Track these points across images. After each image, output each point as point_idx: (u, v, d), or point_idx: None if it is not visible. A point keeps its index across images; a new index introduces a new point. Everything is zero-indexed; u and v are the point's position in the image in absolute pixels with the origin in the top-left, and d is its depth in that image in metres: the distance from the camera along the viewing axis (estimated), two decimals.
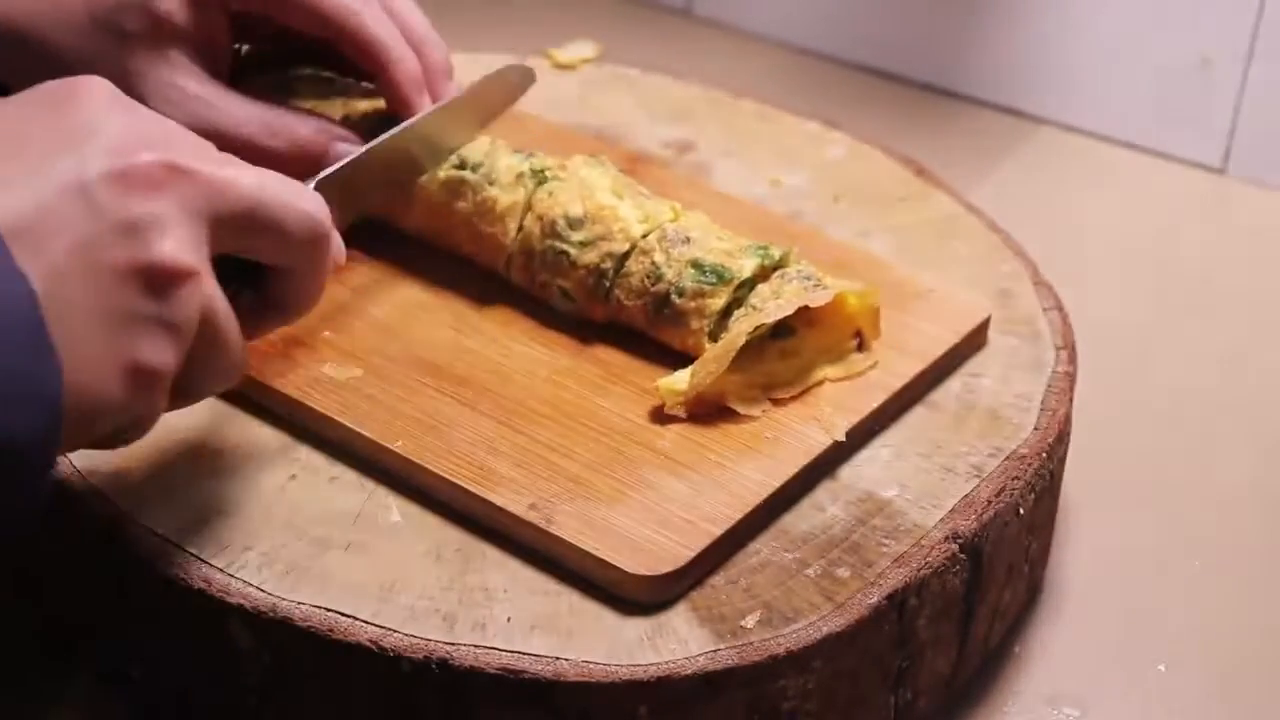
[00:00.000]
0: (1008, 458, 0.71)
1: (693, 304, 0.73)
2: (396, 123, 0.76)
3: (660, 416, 0.71)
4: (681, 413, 0.71)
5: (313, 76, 0.82)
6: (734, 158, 0.92)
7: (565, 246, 0.75)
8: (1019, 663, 0.76)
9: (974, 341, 0.78)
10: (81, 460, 0.68)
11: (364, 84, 0.82)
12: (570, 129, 0.92)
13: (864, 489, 0.70)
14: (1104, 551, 0.82)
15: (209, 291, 0.55)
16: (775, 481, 0.68)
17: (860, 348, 0.75)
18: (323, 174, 0.68)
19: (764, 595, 0.64)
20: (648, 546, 0.64)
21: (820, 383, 0.73)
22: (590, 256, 0.74)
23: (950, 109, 1.18)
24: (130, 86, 0.72)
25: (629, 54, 1.04)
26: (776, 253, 0.74)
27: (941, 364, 0.76)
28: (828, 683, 0.64)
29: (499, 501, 0.66)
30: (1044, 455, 0.72)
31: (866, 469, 0.71)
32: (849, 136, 0.94)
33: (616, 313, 0.75)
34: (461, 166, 0.77)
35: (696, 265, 0.73)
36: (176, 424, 0.69)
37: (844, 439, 0.70)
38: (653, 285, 0.73)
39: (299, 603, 0.63)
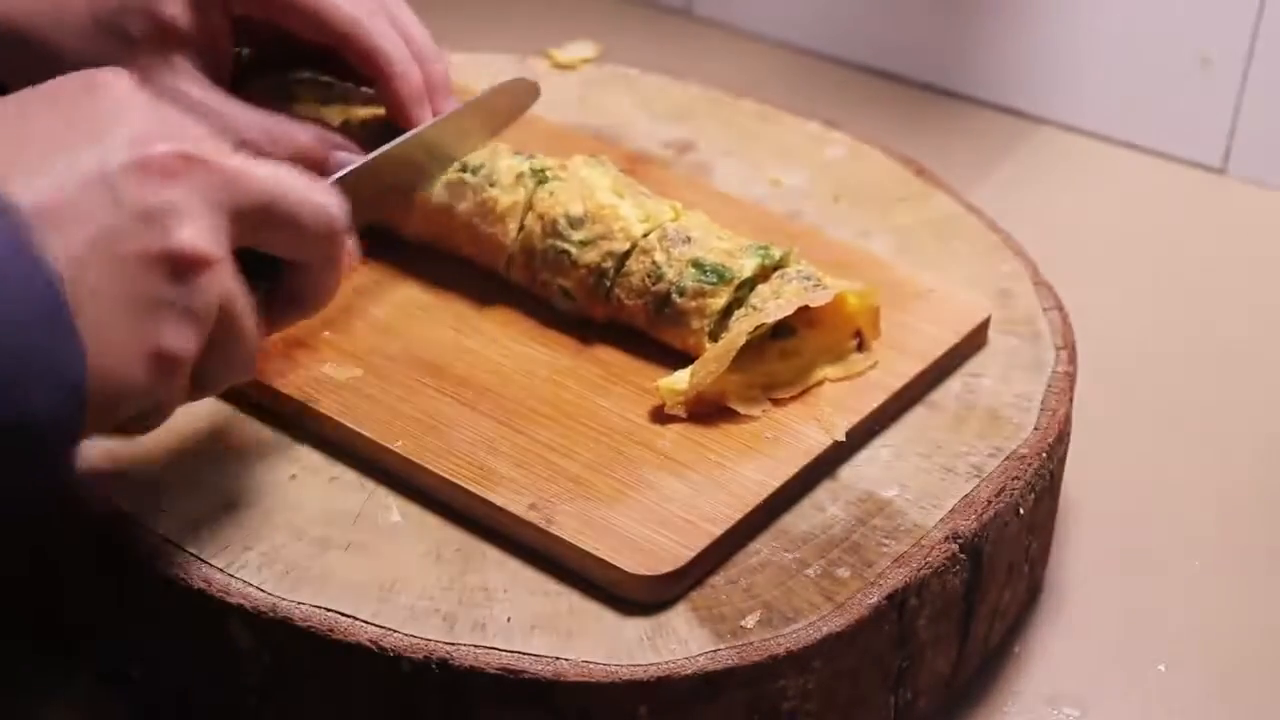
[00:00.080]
0: (1008, 458, 0.71)
1: (693, 303, 0.73)
2: (396, 130, 0.76)
3: (660, 416, 0.71)
4: (682, 412, 0.71)
5: (312, 80, 0.82)
6: (734, 158, 0.92)
7: (566, 246, 0.75)
8: (1019, 663, 0.76)
9: (974, 341, 0.78)
10: (81, 460, 0.68)
11: (364, 89, 0.82)
12: (570, 129, 0.92)
13: (864, 489, 0.70)
14: (1104, 551, 0.82)
15: (228, 281, 0.56)
16: (775, 481, 0.68)
17: (860, 348, 0.75)
18: (336, 175, 0.69)
19: (764, 595, 0.64)
20: (648, 546, 0.64)
21: (820, 383, 0.73)
22: (591, 256, 0.74)
23: (950, 109, 1.18)
24: None
25: (629, 54, 1.03)
26: (777, 253, 0.74)
27: (941, 364, 0.76)
28: (828, 683, 0.64)
29: (499, 501, 0.66)
30: (1044, 455, 0.72)
31: (866, 469, 0.71)
32: (849, 136, 0.94)
33: (617, 312, 0.75)
34: (462, 170, 0.78)
35: (697, 265, 0.73)
36: (177, 424, 0.69)
37: (844, 439, 0.70)
38: (653, 284, 0.73)
39: (299, 603, 0.63)
